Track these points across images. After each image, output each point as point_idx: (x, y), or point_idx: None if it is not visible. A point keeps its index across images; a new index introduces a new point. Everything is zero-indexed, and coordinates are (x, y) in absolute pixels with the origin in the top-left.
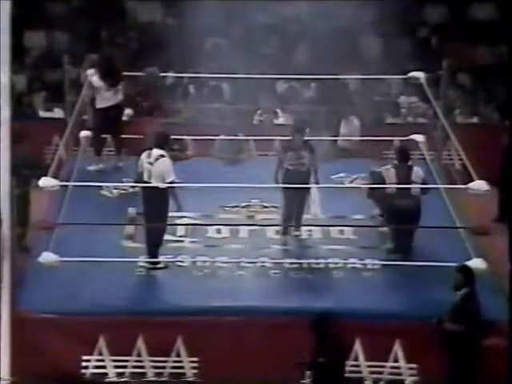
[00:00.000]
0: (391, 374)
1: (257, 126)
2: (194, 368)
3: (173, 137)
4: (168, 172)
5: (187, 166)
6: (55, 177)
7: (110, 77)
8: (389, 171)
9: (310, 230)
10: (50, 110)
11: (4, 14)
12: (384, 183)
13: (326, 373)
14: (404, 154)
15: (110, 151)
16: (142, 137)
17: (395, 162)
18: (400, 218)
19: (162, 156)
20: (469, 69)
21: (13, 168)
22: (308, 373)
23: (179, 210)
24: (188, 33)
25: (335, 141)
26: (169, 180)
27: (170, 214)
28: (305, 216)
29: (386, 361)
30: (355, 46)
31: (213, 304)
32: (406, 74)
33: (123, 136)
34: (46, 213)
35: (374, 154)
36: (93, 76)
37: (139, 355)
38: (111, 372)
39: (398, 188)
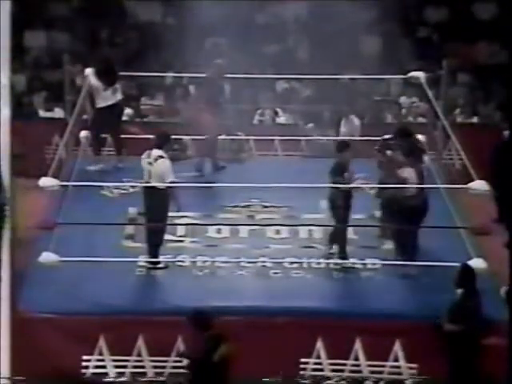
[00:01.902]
0: (391, 373)
1: (257, 126)
2: None
3: (173, 137)
4: (167, 173)
5: (187, 166)
6: (55, 177)
7: (106, 76)
8: (409, 172)
9: (310, 230)
10: (50, 109)
11: (4, 14)
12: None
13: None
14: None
15: (109, 151)
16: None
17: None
18: (412, 217)
19: (161, 157)
20: (469, 68)
21: None
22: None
23: (179, 210)
24: (188, 32)
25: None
26: (168, 180)
27: (170, 213)
28: (310, 216)
29: (387, 360)
30: (355, 45)
31: (213, 304)
32: (406, 73)
33: (123, 136)
34: (46, 213)
35: (374, 154)
36: (90, 75)
37: (139, 355)
38: (111, 372)
39: (418, 187)
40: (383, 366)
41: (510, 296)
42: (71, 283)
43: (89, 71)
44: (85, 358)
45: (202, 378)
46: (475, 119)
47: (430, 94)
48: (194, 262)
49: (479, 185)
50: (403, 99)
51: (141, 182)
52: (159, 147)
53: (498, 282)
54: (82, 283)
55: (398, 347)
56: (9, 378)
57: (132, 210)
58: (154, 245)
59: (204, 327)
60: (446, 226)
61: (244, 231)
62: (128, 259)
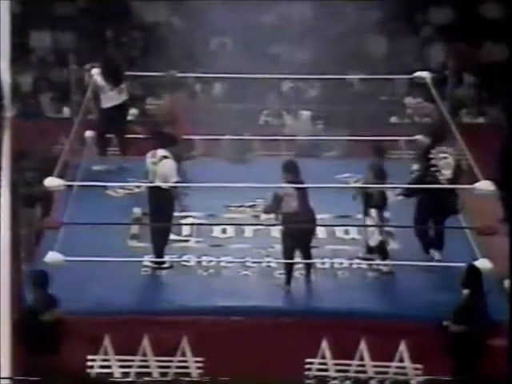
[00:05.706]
0: (397, 374)
1: (263, 126)
2: (199, 368)
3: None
4: (171, 173)
5: (193, 165)
6: (61, 176)
7: (112, 76)
8: None
9: None
10: (56, 109)
11: (4, 14)
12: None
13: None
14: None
15: (115, 151)
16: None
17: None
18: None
19: (165, 157)
20: (475, 68)
21: None
22: None
23: (182, 211)
24: (193, 33)
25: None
26: (172, 181)
27: (175, 214)
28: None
29: (392, 361)
30: (361, 45)
31: (218, 304)
32: (411, 73)
33: (128, 136)
34: (51, 212)
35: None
36: (96, 75)
37: (144, 355)
38: (116, 372)
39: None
40: (388, 367)
41: (511, 296)
42: (76, 283)
43: (95, 71)
44: (90, 357)
45: (31, 337)
46: (481, 119)
47: (435, 94)
48: (199, 261)
49: (485, 185)
50: (409, 99)
51: (145, 182)
52: (164, 147)
53: (504, 283)
54: (87, 283)
55: (403, 348)
56: (9, 378)
57: (137, 210)
58: (159, 245)
59: (41, 285)
60: (453, 226)
61: (249, 231)
62: (133, 259)
